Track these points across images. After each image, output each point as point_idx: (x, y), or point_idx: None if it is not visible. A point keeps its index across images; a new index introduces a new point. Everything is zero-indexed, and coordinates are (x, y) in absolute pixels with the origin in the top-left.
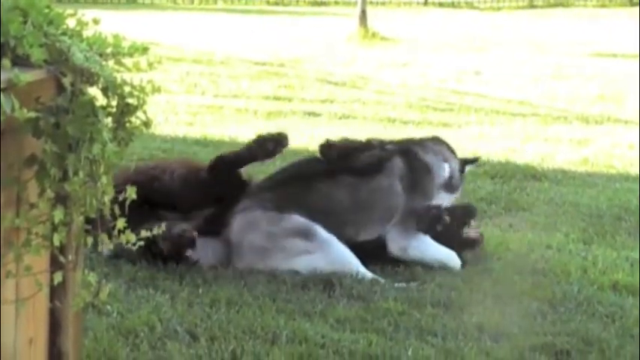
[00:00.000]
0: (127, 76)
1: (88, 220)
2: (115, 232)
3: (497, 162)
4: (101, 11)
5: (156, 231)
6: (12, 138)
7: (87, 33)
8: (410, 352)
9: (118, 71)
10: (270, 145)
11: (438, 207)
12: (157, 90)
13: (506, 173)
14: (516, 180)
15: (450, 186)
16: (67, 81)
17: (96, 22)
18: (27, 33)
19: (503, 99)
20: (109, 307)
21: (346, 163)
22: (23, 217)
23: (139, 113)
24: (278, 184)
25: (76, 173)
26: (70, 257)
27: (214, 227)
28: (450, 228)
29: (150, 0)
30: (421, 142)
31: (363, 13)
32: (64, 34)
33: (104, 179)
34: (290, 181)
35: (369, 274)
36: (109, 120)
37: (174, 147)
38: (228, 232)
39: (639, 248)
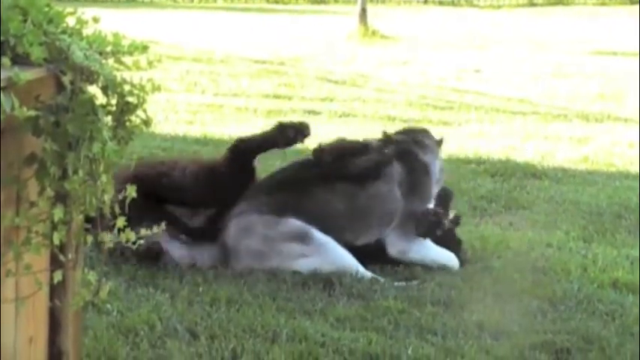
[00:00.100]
0: (126, 75)
1: (88, 219)
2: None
3: (498, 160)
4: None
5: (156, 229)
6: (12, 136)
7: (87, 31)
8: (410, 351)
9: (117, 70)
10: (291, 132)
11: (437, 211)
12: (156, 88)
13: (507, 171)
14: (516, 178)
15: (439, 180)
16: (66, 79)
17: (96, 20)
18: (27, 31)
19: (504, 97)
20: (109, 305)
21: (342, 168)
22: (23, 216)
23: (139, 112)
24: (274, 188)
25: (75, 172)
26: (69, 256)
27: (217, 227)
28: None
29: None
30: (416, 139)
31: (363, 11)
32: (63, 32)
33: (104, 178)
34: (287, 186)
35: (368, 274)
36: (108, 118)
37: (174, 145)
38: (225, 236)
39: (639, 246)
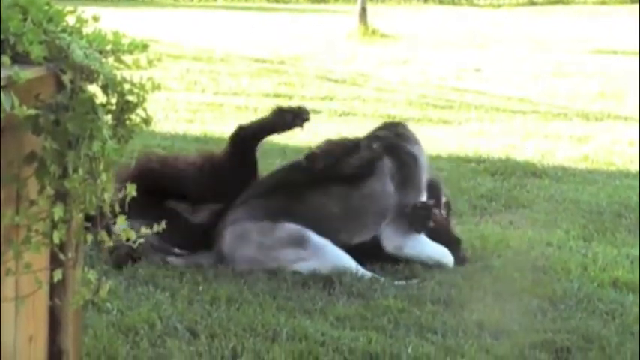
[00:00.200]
0: (126, 74)
1: (88, 218)
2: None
3: (498, 159)
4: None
5: (156, 229)
6: (12, 135)
7: (87, 30)
8: (410, 350)
9: (117, 68)
10: (289, 116)
11: (426, 204)
12: (156, 87)
13: (506, 170)
14: (516, 177)
15: (426, 170)
16: (66, 78)
17: (96, 19)
18: (27, 30)
19: (504, 96)
20: (109, 304)
21: (334, 169)
22: (23, 215)
23: (139, 110)
24: (267, 193)
25: (75, 171)
26: (69, 255)
27: (215, 223)
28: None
29: None
30: (398, 133)
31: (363, 10)
32: (63, 31)
33: (104, 176)
34: (279, 190)
35: (368, 273)
36: (108, 117)
37: (174, 144)
38: (221, 244)
39: (639, 245)
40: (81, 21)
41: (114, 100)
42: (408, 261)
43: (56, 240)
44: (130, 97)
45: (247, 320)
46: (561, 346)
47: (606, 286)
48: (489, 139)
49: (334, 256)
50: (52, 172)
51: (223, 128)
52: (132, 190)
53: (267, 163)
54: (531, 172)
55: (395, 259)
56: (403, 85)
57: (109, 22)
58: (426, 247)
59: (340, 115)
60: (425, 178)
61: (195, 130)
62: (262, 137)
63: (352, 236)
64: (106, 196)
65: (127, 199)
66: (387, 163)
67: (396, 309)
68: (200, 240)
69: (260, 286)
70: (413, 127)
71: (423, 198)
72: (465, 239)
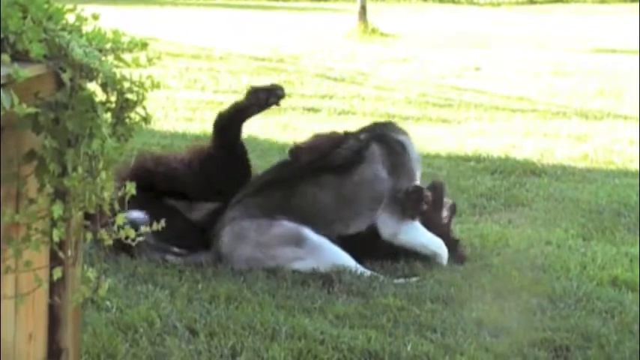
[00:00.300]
0: (126, 72)
1: (87, 216)
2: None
3: (497, 158)
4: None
5: (155, 227)
6: (11, 133)
7: (86, 28)
8: (409, 348)
9: (117, 67)
10: (263, 94)
11: (417, 188)
12: (156, 85)
13: (506, 169)
14: (516, 176)
15: (418, 162)
16: (66, 76)
17: (95, 17)
18: (26, 28)
19: (503, 95)
20: (108, 302)
21: (324, 160)
22: (23, 213)
23: (139, 109)
24: (262, 189)
25: (75, 169)
26: (69, 253)
27: (214, 221)
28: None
29: None
30: (384, 125)
31: (363, 8)
32: (63, 29)
33: (103, 175)
34: (273, 185)
35: (367, 271)
36: (108, 115)
37: (173, 142)
38: (219, 244)
39: (639, 244)
40: (80, 19)
41: (113, 99)
42: (408, 259)
43: (56, 238)
44: (130, 96)
45: (246, 319)
46: (560, 344)
47: (605, 284)
48: (489, 138)
49: (332, 255)
50: (52, 170)
51: None
52: (131, 189)
53: (267, 162)
54: (531, 170)
55: (394, 257)
56: (403, 83)
57: (108, 20)
58: (420, 235)
59: (340, 114)
60: (417, 168)
61: (195, 128)
62: (242, 120)
63: (348, 225)
64: (106, 195)
65: (127, 198)
66: (375, 150)
67: (395, 307)
68: (198, 237)
69: (259, 285)
70: (412, 126)
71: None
72: (465, 238)
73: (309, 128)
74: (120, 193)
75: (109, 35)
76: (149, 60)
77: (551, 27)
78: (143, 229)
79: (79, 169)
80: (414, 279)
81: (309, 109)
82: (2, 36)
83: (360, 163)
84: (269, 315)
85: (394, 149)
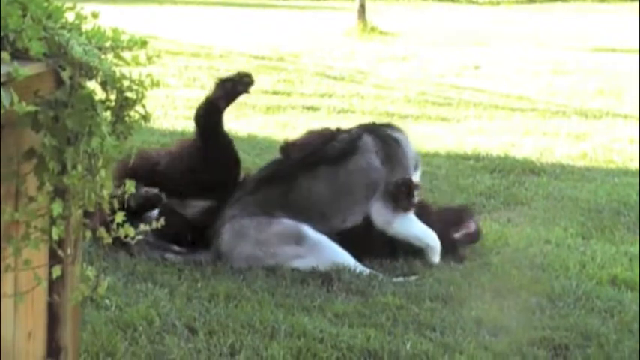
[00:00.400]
0: (125, 70)
1: (87, 214)
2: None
3: (496, 156)
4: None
5: (155, 225)
6: (11, 131)
7: (86, 27)
8: (408, 347)
9: (116, 65)
10: (229, 84)
11: (405, 179)
12: (155, 84)
13: (505, 168)
14: (515, 174)
15: (416, 164)
16: (66, 75)
17: (95, 15)
18: (26, 26)
19: (502, 93)
20: (107, 300)
21: (317, 154)
22: (22, 211)
23: (138, 107)
24: (260, 186)
25: (74, 167)
26: (68, 251)
27: (211, 219)
28: (441, 229)
29: None
30: (382, 124)
31: (362, 7)
32: (63, 27)
33: (103, 173)
34: (272, 181)
35: (367, 270)
36: (107, 114)
37: (172, 141)
38: (219, 242)
39: (638, 243)
40: (80, 17)
41: (113, 97)
42: (407, 258)
43: (55, 236)
44: (129, 94)
45: (246, 317)
46: (559, 343)
47: (605, 283)
48: (488, 137)
49: (331, 253)
50: (51, 168)
51: None
52: (131, 187)
53: (267, 160)
54: (530, 169)
55: (393, 255)
56: (402, 82)
57: (108, 18)
58: (414, 227)
59: (339, 112)
60: (412, 166)
61: (194, 126)
62: (217, 112)
63: (345, 217)
64: (105, 193)
65: (126, 196)
66: (368, 141)
67: (394, 306)
68: (195, 235)
69: (258, 283)
70: (411, 125)
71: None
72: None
73: (309, 127)
74: (119, 192)
75: (109, 33)
76: (149, 58)
77: (551, 25)
78: (142, 227)
79: (79, 168)
80: (413, 277)
81: (308, 108)
82: (2, 34)
83: (353, 154)
84: (268, 313)
85: (387, 142)
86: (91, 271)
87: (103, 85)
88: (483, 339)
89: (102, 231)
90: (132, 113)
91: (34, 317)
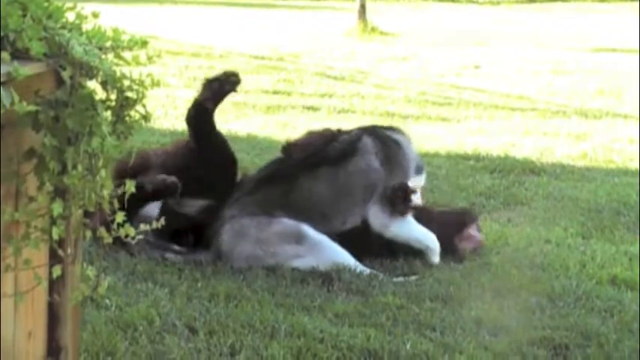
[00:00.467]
0: (126, 70)
1: (87, 214)
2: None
3: (496, 156)
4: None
5: (155, 225)
6: (11, 131)
7: (86, 26)
8: (408, 347)
9: (117, 65)
10: (215, 85)
11: (402, 185)
12: (156, 84)
13: (505, 168)
14: (515, 174)
15: (419, 167)
16: (66, 74)
17: (95, 15)
18: (26, 26)
19: (503, 93)
20: (107, 300)
21: (317, 155)
22: (22, 211)
23: (139, 107)
24: (260, 185)
25: (75, 167)
26: (68, 251)
27: (210, 218)
28: (443, 232)
29: None
30: (384, 126)
31: (363, 7)
32: (63, 27)
33: (103, 173)
34: (272, 181)
35: (367, 270)
36: (108, 113)
37: (172, 140)
38: (219, 242)
39: (639, 243)
40: (80, 17)
41: (113, 97)
42: (407, 258)
43: (55, 236)
44: (130, 94)
45: (246, 317)
46: (560, 343)
47: (605, 283)
48: (488, 137)
49: (332, 252)
50: (52, 168)
51: (222, 125)
52: (131, 187)
53: (267, 160)
54: (530, 169)
55: (393, 255)
56: (402, 82)
57: (108, 18)
58: (412, 229)
59: (339, 112)
60: (413, 169)
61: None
62: (207, 113)
63: (345, 219)
64: (105, 193)
65: (127, 196)
66: (368, 142)
67: (394, 306)
68: (193, 233)
69: (259, 283)
70: (412, 125)
71: (411, 181)
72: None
73: (309, 127)
74: (120, 191)
75: (109, 33)
76: (149, 58)
77: (551, 25)
78: (142, 227)
79: (79, 167)
80: (413, 277)
81: (308, 108)
82: (2, 34)
83: (353, 155)
84: (268, 313)
85: (387, 143)
86: (91, 271)
87: (104, 84)
88: (483, 339)
89: (102, 231)
90: (132, 113)
91: (34, 317)
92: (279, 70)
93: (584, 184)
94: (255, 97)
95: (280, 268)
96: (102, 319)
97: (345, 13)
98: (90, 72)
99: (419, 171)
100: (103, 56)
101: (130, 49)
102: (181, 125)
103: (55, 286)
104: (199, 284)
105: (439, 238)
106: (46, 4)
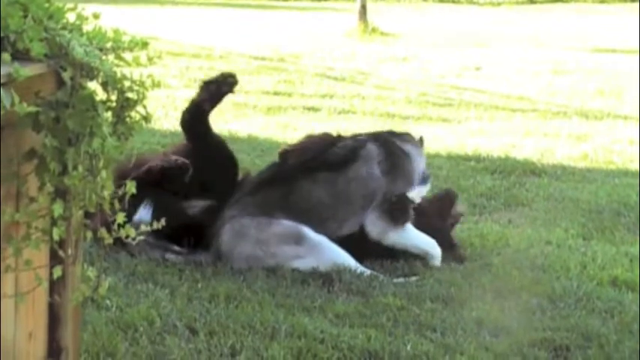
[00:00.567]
0: (126, 71)
1: (88, 215)
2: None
3: (497, 157)
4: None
5: (155, 226)
6: (12, 132)
7: (87, 27)
8: (409, 347)
9: (117, 66)
10: (213, 87)
11: (401, 197)
12: (156, 84)
13: (506, 169)
14: (516, 175)
15: (425, 178)
16: (66, 75)
17: (96, 16)
18: (27, 27)
19: (503, 94)
20: (108, 301)
21: (321, 160)
22: (23, 212)
23: (139, 108)
24: (261, 187)
25: (75, 167)
26: (69, 252)
27: (211, 219)
28: (433, 219)
29: None
30: (393, 133)
31: (363, 8)
32: (64, 28)
33: (103, 174)
34: (272, 183)
35: (367, 270)
36: (108, 114)
37: (173, 141)
38: (219, 242)
39: (639, 244)
40: (81, 18)
41: (114, 98)
42: (407, 259)
43: (56, 237)
44: (130, 95)
45: (246, 318)
46: (560, 344)
47: (605, 284)
48: (489, 138)
49: (332, 253)
50: (52, 169)
51: (223, 126)
52: (131, 188)
53: (267, 161)
54: (531, 170)
55: (394, 256)
56: (403, 83)
57: (109, 19)
58: (412, 236)
59: (340, 113)
60: (416, 178)
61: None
62: (203, 114)
63: (342, 224)
64: (106, 193)
65: (127, 197)
66: (372, 150)
67: (395, 307)
68: (194, 233)
69: (259, 284)
70: (412, 126)
71: (415, 191)
72: (465, 238)
73: (310, 128)
74: (120, 192)
75: (110, 34)
76: (149, 59)
77: (551, 26)
78: (143, 227)
79: (80, 168)
80: (413, 278)
81: (309, 109)
82: (3, 35)
83: (354, 161)
84: (269, 314)
85: (393, 152)
86: (91, 272)
87: (104, 85)
88: (484, 340)
89: (103, 231)
90: (133, 114)
91: (35, 318)
92: (279, 70)
93: (585, 185)
94: (256, 98)
95: (280, 268)
96: (102, 320)
97: (345, 14)
98: (90, 73)
99: (424, 181)
100: (104, 57)
101: (131, 50)
102: None
103: (55, 286)
104: (200, 285)
105: (434, 228)
106: (46, 5)
